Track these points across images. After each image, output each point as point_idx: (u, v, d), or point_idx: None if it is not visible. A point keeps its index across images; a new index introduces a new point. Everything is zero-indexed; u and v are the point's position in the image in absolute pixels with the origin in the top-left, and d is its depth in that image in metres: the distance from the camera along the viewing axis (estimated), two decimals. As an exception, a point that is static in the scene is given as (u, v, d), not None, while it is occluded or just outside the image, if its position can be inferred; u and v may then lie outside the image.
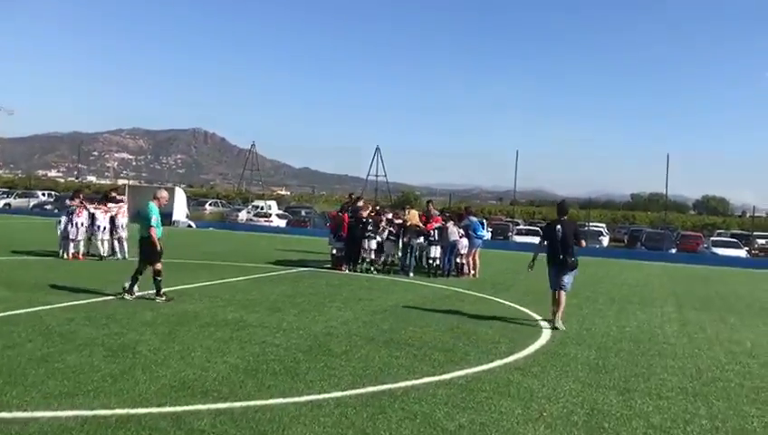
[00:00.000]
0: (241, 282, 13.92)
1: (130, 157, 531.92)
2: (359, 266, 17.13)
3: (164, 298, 10.79)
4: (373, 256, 17.21)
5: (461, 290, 14.41)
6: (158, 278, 10.94)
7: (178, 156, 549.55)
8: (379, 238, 17.23)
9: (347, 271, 16.86)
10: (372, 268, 17.06)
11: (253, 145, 51.71)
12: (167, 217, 38.38)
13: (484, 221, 43.60)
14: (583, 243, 11.14)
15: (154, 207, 11.01)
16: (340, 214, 17.85)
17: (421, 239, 17.08)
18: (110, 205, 17.16)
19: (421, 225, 17.23)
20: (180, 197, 40.90)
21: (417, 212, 17.96)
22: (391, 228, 17.52)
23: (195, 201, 56.46)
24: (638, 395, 6.71)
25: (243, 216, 46.04)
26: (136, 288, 10.95)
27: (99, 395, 5.76)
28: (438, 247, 17.09)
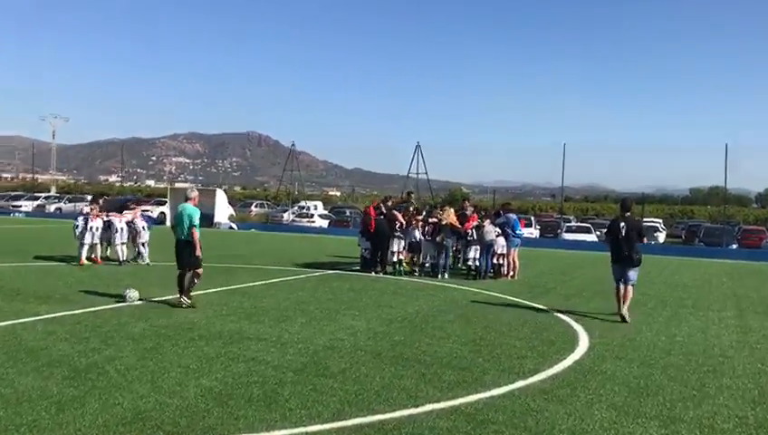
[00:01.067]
0: (257, 287, 13.06)
1: (188, 161, 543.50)
2: (388, 268, 16.13)
3: (189, 302, 10.26)
4: (401, 257, 16.20)
5: (495, 294, 13.25)
6: (196, 281, 10.53)
7: (234, 159, 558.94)
8: (416, 237, 16.17)
9: (374, 273, 15.85)
10: (402, 270, 16.04)
11: (293, 145, 51.13)
12: (207, 218, 38.22)
13: (533, 219, 42.31)
14: (644, 239, 11.43)
15: (195, 209, 10.53)
16: (370, 211, 16.82)
17: (449, 241, 15.89)
18: (125, 212, 16.69)
19: (457, 224, 16.08)
20: (221, 199, 40.58)
21: (453, 211, 16.82)
22: (425, 228, 16.42)
23: (241, 203, 56.45)
24: (686, 427, 5.52)
25: (287, 217, 45.53)
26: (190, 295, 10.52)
27: (32, 430, 4.90)
28: (476, 248, 15.94)
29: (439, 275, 15.69)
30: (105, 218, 16.22)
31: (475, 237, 15.93)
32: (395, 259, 16.15)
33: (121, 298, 10.59)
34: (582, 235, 35.76)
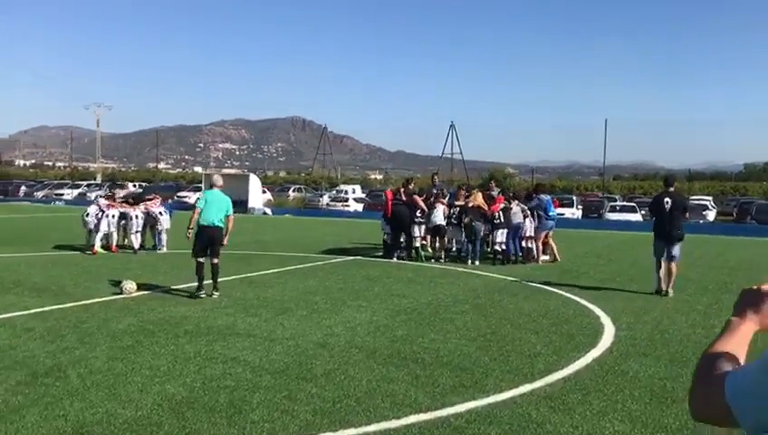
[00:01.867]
0: (268, 275, 12.46)
1: (234, 147, 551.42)
2: (413, 253, 15.38)
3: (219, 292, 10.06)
4: (423, 243, 15.46)
5: (520, 280, 12.38)
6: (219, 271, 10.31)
7: (279, 144, 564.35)
8: (439, 222, 15.30)
9: (396, 259, 15.12)
10: (424, 255, 15.26)
11: (325, 127, 50.65)
12: (241, 204, 37.88)
13: (574, 198, 40.89)
14: (687, 215, 11.87)
15: (228, 197, 10.39)
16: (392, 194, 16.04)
17: (478, 223, 14.99)
18: (141, 203, 16.33)
19: (485, 206, 15.19)
20: (255, 184, 40.21)
21: (481, 194, 15.92)
22: (451, 211, 15.54)
23: (279, 187, 56.21)
24: (713, 444, 4.66)
25: (324, 201, 45.08)
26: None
27: (-48, 449, 4.35)
28: (504, 231, 15.04)
29: (469, 262, 14.86)
30: (121, 209, 15.86)
31: (503, 220, 15.04)
32: (416, 244, 15.39)
33: (119, 290, 10.10)
34: (627, 214, 34.33)
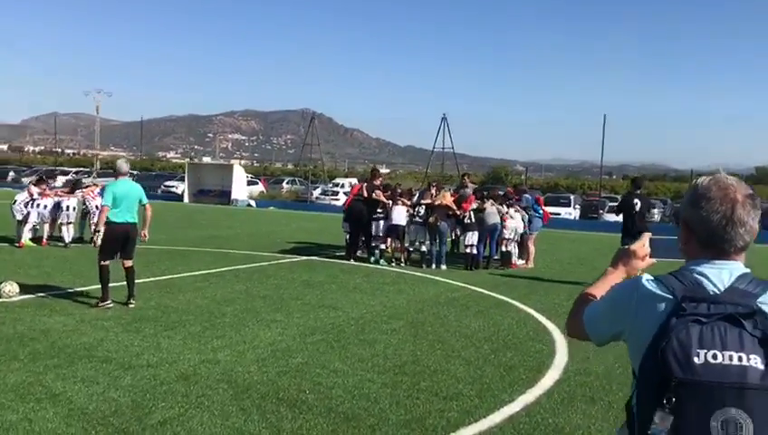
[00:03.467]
0: (193, 278, 10.93)
1: (243, 138, 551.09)
2: (373, 255, 13.88)
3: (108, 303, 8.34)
4: (387, 243, 14.05)
5: (482, 290, 10.83)
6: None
7: (288, 136, 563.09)
8: (396, 221, 13.74)
9: (353, 261, 13.64)
10: (382, 258, 13.79)
11: (313, 116, 49.14)
12: (225, 195, 36.50)
13: (572, 198, 39.22)
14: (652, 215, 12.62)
15: (108, 186, 8.65)
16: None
17: (444, 223, 13.48)
18: (77, 191, 14.94)
19: (453, 205, 13.69)
20: (239, 174, 38.74)
21: (449, 193, 14.42)
22: (416, 209, 14.01)
23: (273, 179, 55.02)
24: None
25: (317, 194, 43.66)
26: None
27: None
28: (475, 233, 13.53)
29: (433, 265, 13.38)
30: (56, 198, 14.47)
31: (473, 221, 13.52)
32: (374, 244, 13.92)
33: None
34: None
